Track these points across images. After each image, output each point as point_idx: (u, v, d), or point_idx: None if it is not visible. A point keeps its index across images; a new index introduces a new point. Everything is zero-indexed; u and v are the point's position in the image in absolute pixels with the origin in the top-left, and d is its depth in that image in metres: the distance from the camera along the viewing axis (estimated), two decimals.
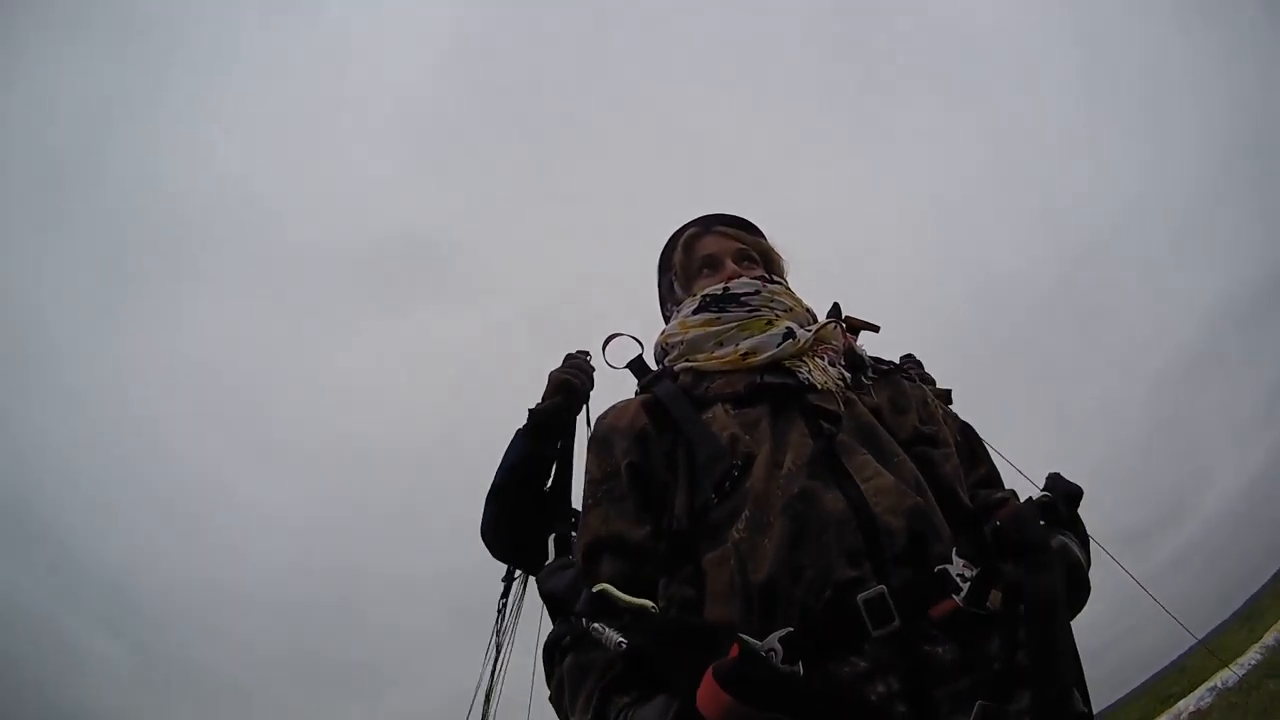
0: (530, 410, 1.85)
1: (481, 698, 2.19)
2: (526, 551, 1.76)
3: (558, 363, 1.95)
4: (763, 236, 1.61)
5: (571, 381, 1.87)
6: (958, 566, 0.97)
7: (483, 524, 1.80)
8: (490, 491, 1.79)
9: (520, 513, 1.76)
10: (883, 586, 0.95)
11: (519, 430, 1.83)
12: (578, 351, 1.98)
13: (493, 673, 2.18)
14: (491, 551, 1.85)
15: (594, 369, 1.94)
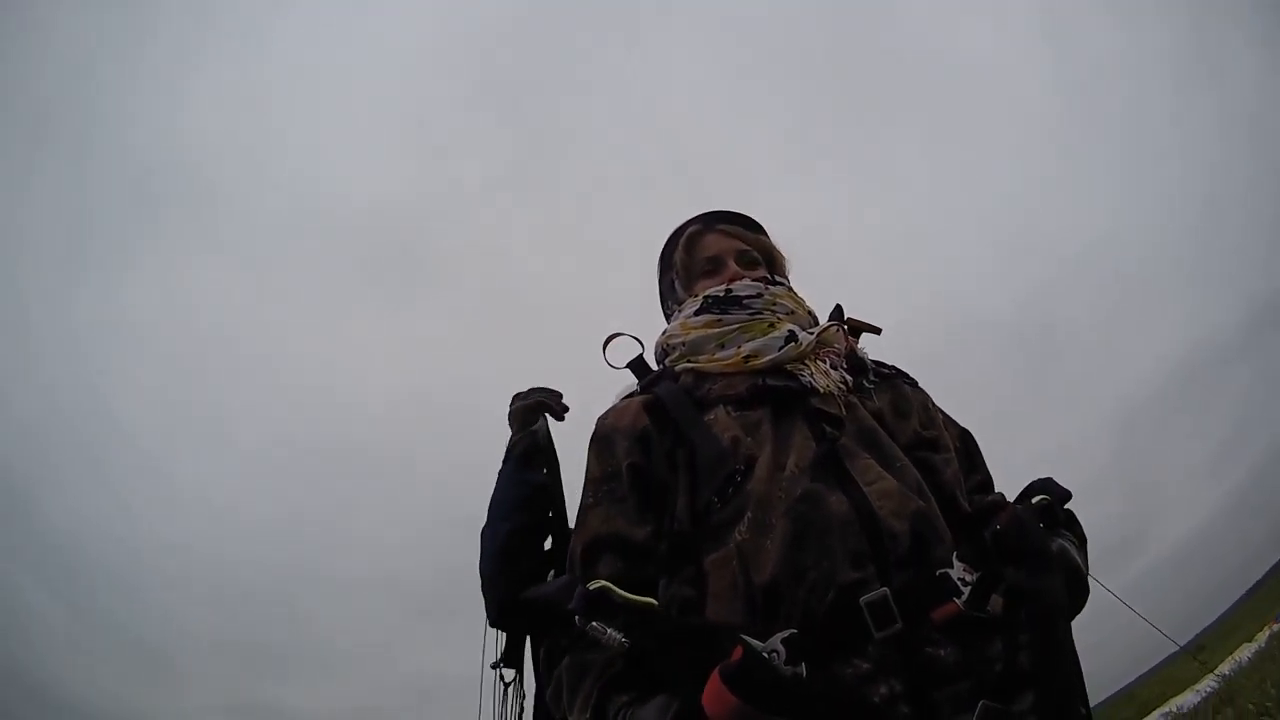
0: (523, 433, 1.57)
1: None
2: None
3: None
4: (765, 234, 1.58)
5: (548, 404, 1.62)
6: (959, 570, 0.99)
7: (496, 596, 1.37)
8: (498, 546, 1.40)
9: (537, 563, 1.41)
10: (885, 589, 0.96)
11: (512, 461, 1.54)
12: (533, 389, 1.67)
13: None
14: (509, 624, 1.40)
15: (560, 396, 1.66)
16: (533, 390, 1.63)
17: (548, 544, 1.44)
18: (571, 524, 1.32)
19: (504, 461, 1.55)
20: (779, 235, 1.59)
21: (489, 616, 1.37)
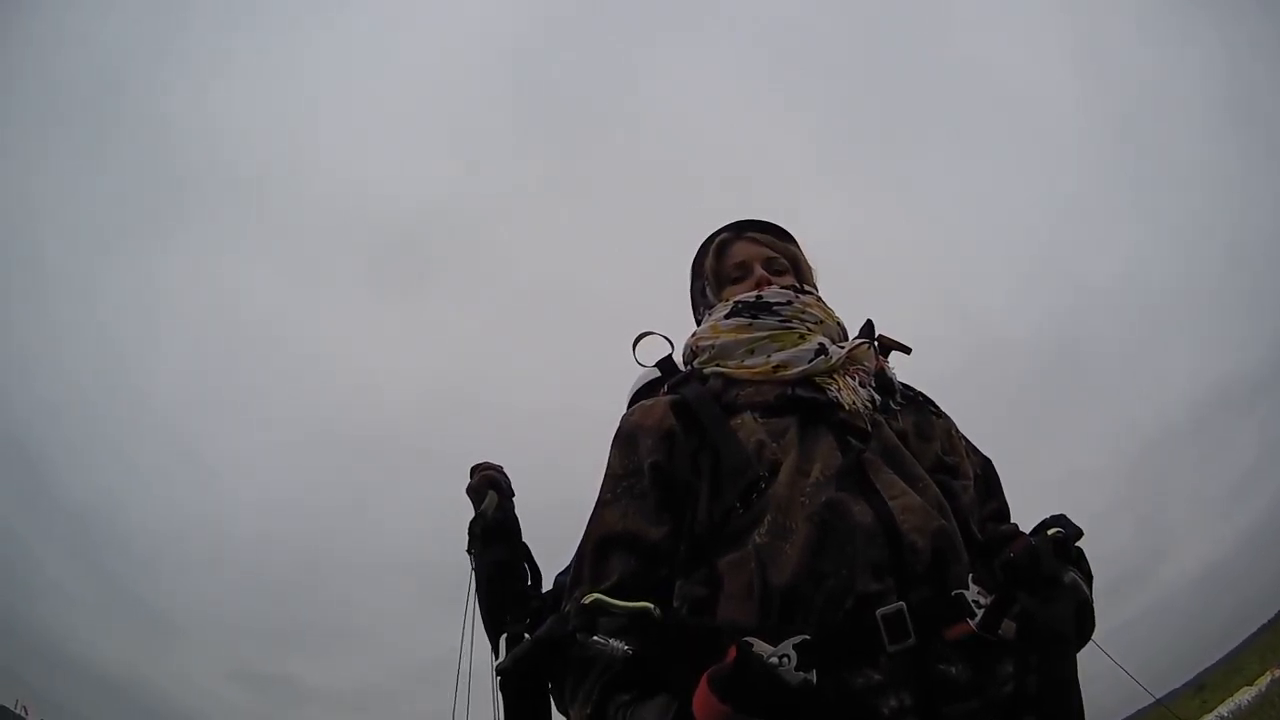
0: (475, 515, 1.79)
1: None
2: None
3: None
4: (794, 242, 1.59)
5: (496, 478, 1.82)
6: (974, 592, 1.00)
7: (498, 659, 1.60)
8: (487, 624, 1.69)
9: (523, 625, 1.64)
10: (902, 603, 0.97)
11: (476, 544, 1.76)
12: (483, 463, 1.91)
13: None
14: (520, 673, 1.53)
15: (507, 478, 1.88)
16: (477, 468, 1.84)
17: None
18: (545, 581, 1.49)
19: (469, 545, 1.76)
20: (808, 245, 1.60)
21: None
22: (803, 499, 1.09)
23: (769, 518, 1.08)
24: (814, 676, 0.91)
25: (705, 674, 0.86)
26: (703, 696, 0.85)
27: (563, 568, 1.60)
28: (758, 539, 1.07)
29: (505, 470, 1.88)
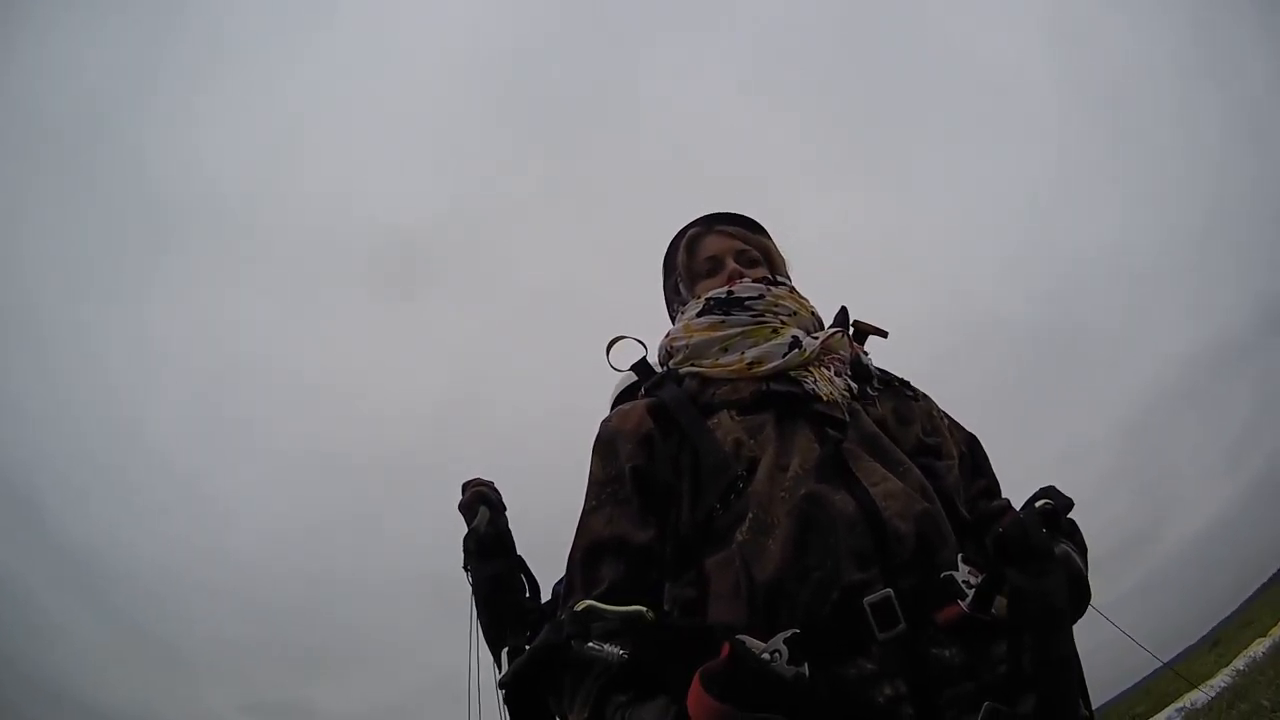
0: (468, 531, 1.82)
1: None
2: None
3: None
4: (765, 234, 1.57)
5: (486, 494, 1.86)
6: (964, 573, 1.00)
7: (500, 674, 1.67)
8: (486, 639, 1.74)
9: (524, 637, 1.71)
10: (889, 590, 0.97)
11: (471, 559, 1.80)
12: (474, 479, 1.94)
13: None
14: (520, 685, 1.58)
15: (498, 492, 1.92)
16: (468, 485, 1.88)
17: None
18: (544, 591, 1.53)
19: (464, 562, 1.80)
20: (781, 236, 1.60)
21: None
22: (782, 494, 1.08)
23: (750, 515, 1.08)
24: (806, 670, 0.91)
25: (699, 671, 0.85)
26: (696, 694, 0.85)
27: (560, 576, 1.58)
28: (740, 537, 1.07)
29: (496, 485, 1.88)
